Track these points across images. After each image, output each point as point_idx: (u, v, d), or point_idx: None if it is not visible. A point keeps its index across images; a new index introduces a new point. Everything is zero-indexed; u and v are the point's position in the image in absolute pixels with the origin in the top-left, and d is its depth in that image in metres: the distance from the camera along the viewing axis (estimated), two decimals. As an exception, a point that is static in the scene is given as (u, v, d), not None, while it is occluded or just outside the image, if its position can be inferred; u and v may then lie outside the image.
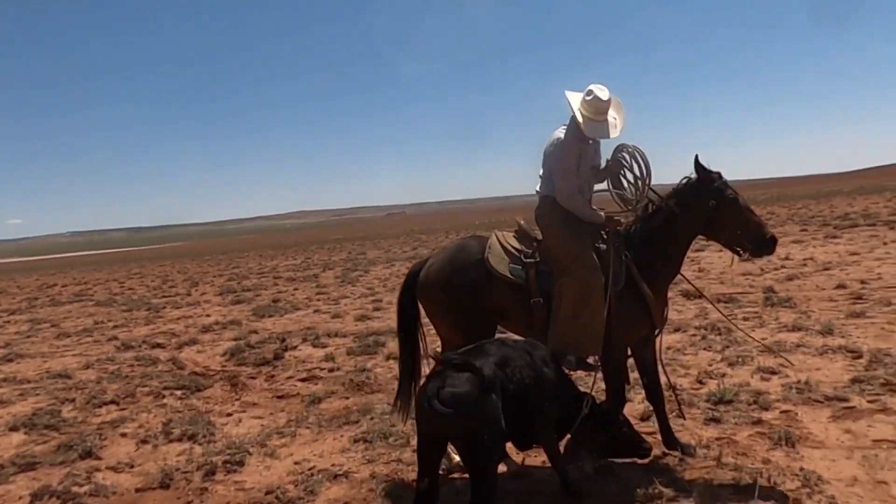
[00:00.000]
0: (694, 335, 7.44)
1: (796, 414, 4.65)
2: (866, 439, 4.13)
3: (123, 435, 5.55)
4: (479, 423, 2.85)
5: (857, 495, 3.40)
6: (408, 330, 4.47)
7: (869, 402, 4.77)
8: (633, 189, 4.09)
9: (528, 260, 4.05)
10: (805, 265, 12.59)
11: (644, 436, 4.41)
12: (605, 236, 4.08)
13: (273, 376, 7.63)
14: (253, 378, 7.61)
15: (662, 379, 5.40)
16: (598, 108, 3.96)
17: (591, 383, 4.11)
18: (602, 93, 3.94)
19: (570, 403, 3.62)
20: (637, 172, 4.04)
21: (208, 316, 13.76)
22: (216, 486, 4.26)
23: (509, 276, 4.02)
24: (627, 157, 4.08)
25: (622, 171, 4.13)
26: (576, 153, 4.06)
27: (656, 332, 4.16)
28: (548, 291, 3.98)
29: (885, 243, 14.57)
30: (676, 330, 7.82)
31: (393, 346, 7.57)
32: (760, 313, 8.57)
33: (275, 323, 11.89)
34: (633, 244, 4.06)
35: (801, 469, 3.67)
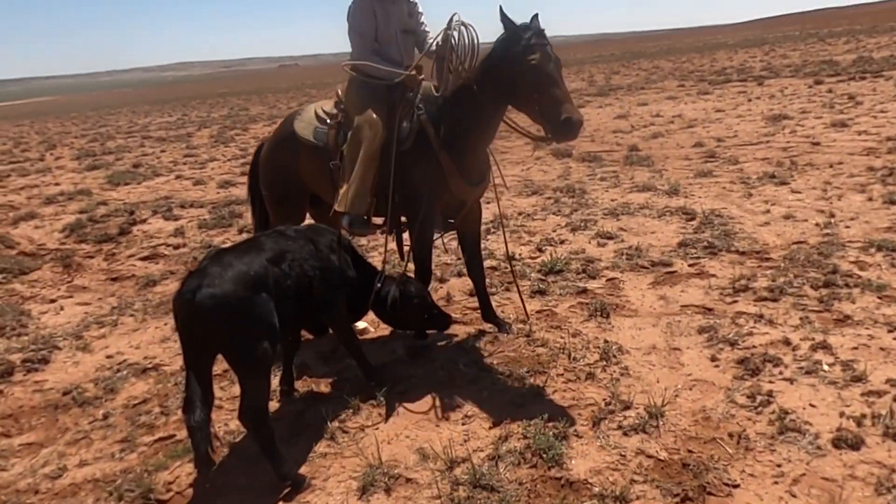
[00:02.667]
0: (549, 198, 7.50)
1: (621, 282, 4.79)
2: (676, 305, 4.32)
3: (-78, 330, 5.03)
4: (244, 325, 2.65)
5: (649, 364, 3.56)
6: (260, 208, 4.43)
7: (689, 265, 4.98)
8: (447, 73, 3.60)
9: (331, 122, 3.92)
10: (672, 122, 12.89)
11: (470, 311, 4.46)
12: (405, 95, 3.76)
13: (114, 255, 7.11)
14: (90, 257, 7.07)
15: (501, 250, 5.43)
16: None
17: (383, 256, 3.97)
18: None
19: (365, 283, 3.46)
20: (459, 55, 3.52)
21: (57, 185, 12.58)
22: (13, 388, 3.95)
23: (312, 139, 3.95)
24: (455, 36, 3.54)
25: (446, 53, 3.59)
26: (369, 12, 3.75)
27: (465, 200, 3.86)
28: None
29: (749, 100, 15.10)
30: (533, 193, 7.87)
31: (249, 216, 7.20)
32: (618, 172, 8.74)
33: (129, 192, 11.04)
34: (440, 107, 3.70)
35: (606, 341, 3.79)
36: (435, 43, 3.69)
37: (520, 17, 3.46)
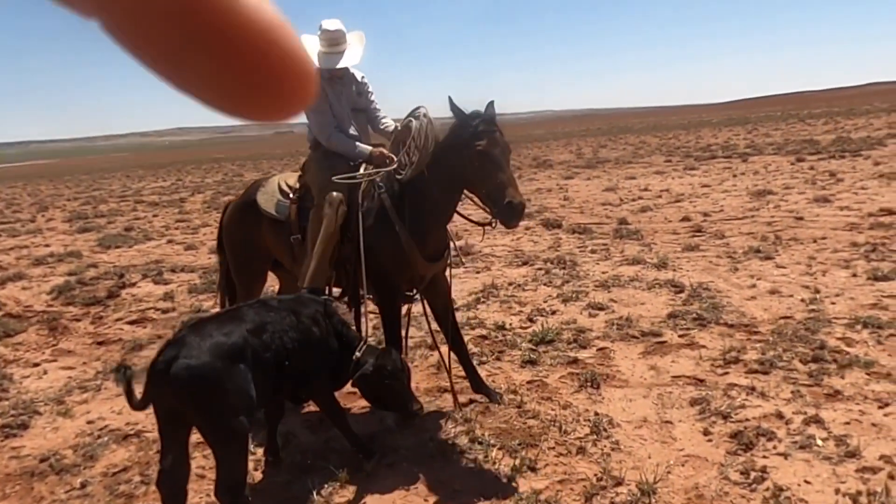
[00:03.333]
0: (539, 269, 7.56)
1: (611, 351, 4.79)
2: (667, 376, 4.31)
3: None
4: (220, 397, 2.59)
5: (640, 438, 3.52)
6: (226, 266, 4.51)
7: (679, 336, 5.00)
8: (405, 158, 3.75)
9: (293, 196, 4.05)
10: (660, 196, 13.16)
11: (460, 379, 4.41)
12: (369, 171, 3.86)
13: (101, 318, 7.04)
14: (77, 320, 6.99)
15: (490, 319, 5.45)
16: (330, 40, 3.87)
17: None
18: (330, 24, 3.86)
19: (347, 354, 3.39)
20: (414, 145, 3.66)
21: (47, 246, 12.58)
22: (-11, 454, 3.83)
23: (274, 213, 4.07)
24: (415, 124, 3.70)
25: (406, 140, 3.76)
26: (321, 92, 3.92)
27: (424, 277, 3.90)
28: (306, 227, 3.96)
29: (734, 175, 15.51)
30: (524, 263, 7.94)
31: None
32: (609, 245, 8.85)
33: (120, 256, 11.03)
34: (400, 187, 3.79)
35: (596, 414, 3.76)
36: (395, 127, 3.95)
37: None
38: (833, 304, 5.44)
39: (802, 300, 5.58)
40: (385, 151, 3.89)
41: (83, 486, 3.41)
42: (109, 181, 39.15)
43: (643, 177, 17.09)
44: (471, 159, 3.45)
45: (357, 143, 3.96)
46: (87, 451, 3.72)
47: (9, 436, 4.03)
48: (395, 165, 3.77)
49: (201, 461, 3.38)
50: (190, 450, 2.79)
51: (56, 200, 25.40)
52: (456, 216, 3.90)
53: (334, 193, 3.78)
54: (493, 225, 3.61)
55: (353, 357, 3.34)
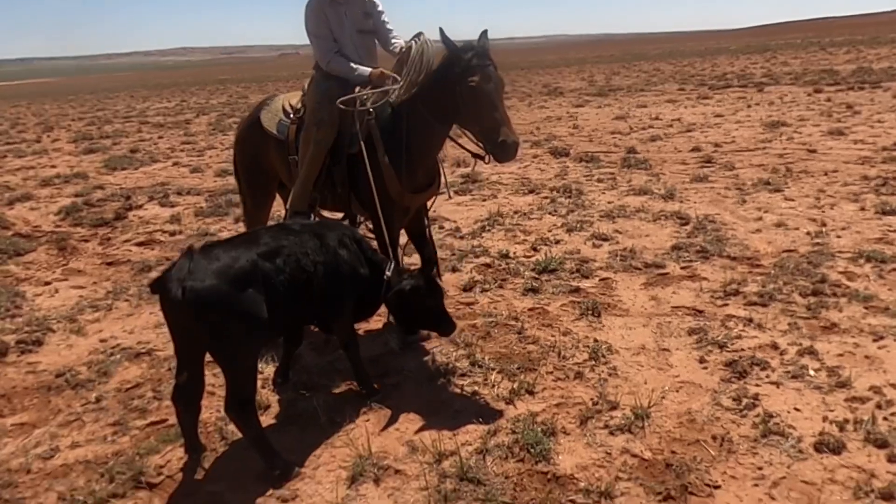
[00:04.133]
0: (546, 198, 7.54)
1: (614, 282, 4.83)
2: (667, 306, 4.36)
3: (-84, 309, 5.03)
4: (225, 320, 2.62)
5: (637, 365, 3.61)
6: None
7: (682, 268, 5.03)
8: (402, 81, 3.69)
9: (293, 116, 4.05)
10: (671, 126, 12.92)
11: (463, 306, 4.50)
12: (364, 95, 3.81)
13: (109, 239, 7.13)
14: (86, 241, 7.08)
15: (495, 247, 5.49)
16: None
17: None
18: None
19: (376, 278, 3.39)
20: (413, 68, 3.59)
21: (53, 167, 12.57)
22: (6, 369, 3.97)
23: (275, 132, 4.09)
24: (414, 48, 3.64)
25: (406, 61, 3.71)
26: (321, 15, 3.91)
27: (409, 208, 3.93)
28: None
29: (748, 105, 15.15)
30: (531, 192, 7.91)
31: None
32: (616, 174, 8.77)
33: (126, 177, 11.03)
34: (390, 115, 3.77)
35: (595, 341, 3.84)
36: (399, 48, 3.91)
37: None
38: (839, 237, 5.43)
39: (808, 233, 5.57)
40: (386, 72, 3.84)
41: (98, 400, 3.55)
42: (114, 101, 38.64)
43: (655, 105, 16.73)
44: (462, 95, 3.40)
45: (356, 67, 3.90)
46: (101, 368, 3.84)
47: (24, 351, 4.16)
48: (394, 86, 3.71)
49: (211, 379, 3.49)
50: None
51: (61, 120, 25.17)
52: (451, 144, 3.89)
53: (323, 116, 3.77)
54: (487, 160, 3.60)
55: (384, 278, 3.35)
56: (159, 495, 2.79)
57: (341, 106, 3.72)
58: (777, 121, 12.00)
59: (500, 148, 3.33)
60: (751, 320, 4.02)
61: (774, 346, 3.70)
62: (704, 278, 4.76)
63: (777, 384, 3.33)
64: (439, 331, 3.54)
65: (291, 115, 4.06)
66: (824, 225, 5.77)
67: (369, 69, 3.90)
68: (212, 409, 3.33)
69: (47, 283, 5.65)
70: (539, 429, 3.00)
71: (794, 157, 8.89)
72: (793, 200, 6.72)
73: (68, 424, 3.34)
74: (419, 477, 2.77)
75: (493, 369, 3.57)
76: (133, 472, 2.86)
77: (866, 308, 4.10)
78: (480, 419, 3.15)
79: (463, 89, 3.38)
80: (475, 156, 3.75)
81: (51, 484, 2.86)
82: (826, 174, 7.74)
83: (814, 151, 9.17)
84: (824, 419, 3.01)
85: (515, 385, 3.40)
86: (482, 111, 3.38)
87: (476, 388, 3.44)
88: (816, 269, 4.69)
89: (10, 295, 5.11)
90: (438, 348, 3.86)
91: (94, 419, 3.37)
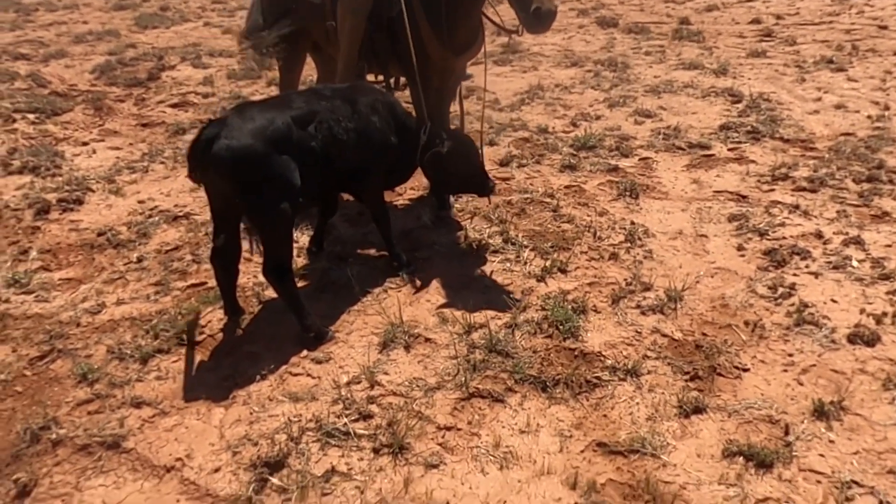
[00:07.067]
0: (589, 71, 7.16)
1: (654, 162, 4.67)
2: (709, 190, 4.22)
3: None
4: (260, 181, 2.61)
5: (674, 249, 3.55)
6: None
7: (729, 150, 4.82)
8: None
9: None
10: (731, -6, 11.94)
11: (499, 181, 4.41)
12: None
13: (144, 99, 7.06)
14: (121, 101, 7.02)
15: (534, 122, 5.29)
16: None
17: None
18: None
19: (410, 142, 3.31)
20: None
21: (85, 23, 12.27)
22: (49, 226, 4.07)
23: None
24: None
25: None
26: None
27: (449, 69, 3.78)
28: None
29: (819, -28, 13.85)
30: (573, 64, 7.50)
31: (277, 70, 7.05)
32: (665, 47, 8.24)
33: (158, 36, 10.74)
34: None
35: (632, 223, 3.76)
36: None
37: None
38: (901, 122, 5.11)
39: (869, 116, 5.24)
40: None
41: (139, 260, 3.65)
42: (141, -46, 37.07)
43: (716, -30, 15.40)
44: None
45: None
46: (140, 229, 3.92)
47: (66, 209, 4.25)
48: None
49: (246, 245, 3.55)
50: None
51: (88, -27, 24.33)
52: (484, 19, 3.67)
53: None
54: (521, 32, 3.36)
55: (420, 140, 3.27)
56: (201, 352, 2.92)
57: None
58: (849, -9, 10.98)
59: (534, 16, 3.04)
60: (797, 207, 3.87)
61: (818, 235, 3.58)
62: (752, 161, 4.56)
63: (816, 274, 3.26)
64: (477, 192, 3.50)
65: None
66: (888, 108, 5.40)
67: None
68: (249, 274, 3.41)
69: (85, 144, 5.67)
70: (569, 306, 3.02)
71: (863, 34, 8.20)
72: (856, 81, 6.26)
73: (112, 282, 3.46)
74: (448, 346, 2.84)
75: (526, 247, 3.55)
76: (176, 331, 2.99)
77: (922, 198, 3.91)
78: (511, 294, 3.18)
79: None
80: (506, 31, 3.55)
81: (99, 338, 3.00)
82: (895, 54, 7.16)
83: (885, 28, 8.42)
84: (861, 311, 2.97)
85: (548, 263, 3.38)
86: None
87: (508, 264, 3.44)
88: (874, 155, 4.45)
89: (50, 154, 5.16)
90: (471, 224, 3.83)
91: (137, 278, 3.49)
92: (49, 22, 12.63)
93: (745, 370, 2.65)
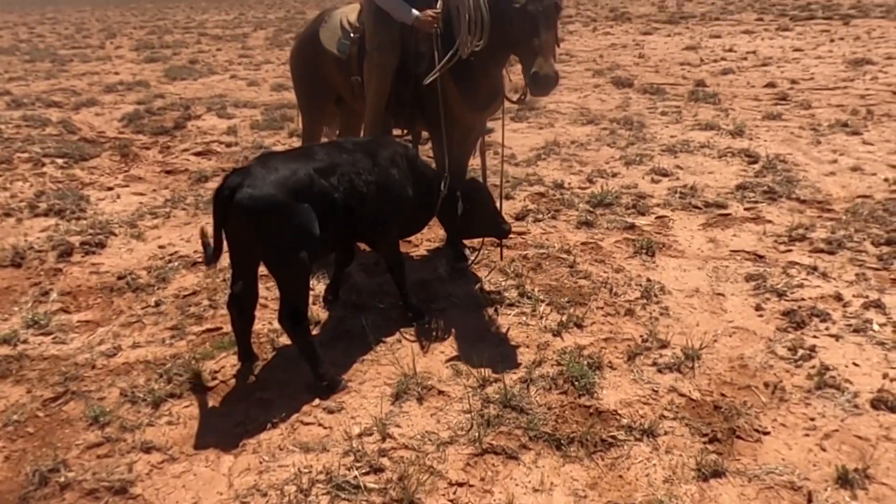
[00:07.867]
0: (604, 129, 7.27)
1: (671, 220, 4.68)
2: (726, 249, 4.21)
3: (-11, 206, 5.26)
4: (281, 230, 2.67)
5: (690, 307, 3.52)
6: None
7: (746, 209, 4.83)
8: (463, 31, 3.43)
9: (354, 36, 3.89)
10: (746, 59, 12.17)
11: (515, 235, 4.43)
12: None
13: (168, 147, 7.25)
14: (147, 148, 7.22)
15: (550, 177, 5.34)
16: None
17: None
18: None
19: (429, 193, 3.40)
20: (469, 17, 3.35)
21: (116, 74, 12.75)
22: (71, 268, 4.14)
23: (335, 51, 3.97)
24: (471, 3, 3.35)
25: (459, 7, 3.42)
26: None
27: (471, 126, 3.88)
28: None
29: (832, 40, 14.10)
30: (589, 122, 7.63)
31: (299, 121, 7.24)
32: (682, 108, 8.37)
33: (186, 87, 11.11)
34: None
35: (648, 280, 3.75)
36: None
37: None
38: (919, 186, 5.10)
39: (885, 179, 5.24)
40: (432, 15, 3.55)
41: (157, 304, 3.69)
42: (174, 11, 38.64)
43: (729, 36, 15.74)
44: (510, 18, 3.22)
45: (402, 5, 3.60)
46: (160, 274, 3.97)
47: (88, 252, 4.32)
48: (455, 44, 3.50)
49: (264, 293, 3.57)
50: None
51: (123, 28, 25.37)
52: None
53: (383, 39, 3.65)
54: (524, 98, 3.50)
55: (440, 192, 3.40)
56: (213, 398, 2.91)
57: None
58: (862, 58, 11.14)
59: (532, 80, 3.15)
60: (815, 268, 3.85)
61: (838, 298, 3.54)
62: (769, 221, 4.56)
63: (837, 337, 3.20)
64: (493, 234, 3.63)
65: (352, 35, 3.90)
66: (905, 172, 5.41)
67: (416, 12, 3.57)
68: (264, 320, 3.42)
69: (110, 189, 5.81)
70: (585, 362, 2.98)
71: (878, 99, 8.29)
72: (871, 144, 6.30)
73: (129, 325, 3.49)
74: (462, 400, 2.81)
75: (541, 301, 3.54)
76: (190, 375, 2.98)
77: (943, 263, 3.87)
78: (526, 349, 3.15)
79: (511, 14, 3.21)
80: (512, 101, 3.76)
81: (113, 380, 3.01)
82: (911, 119, 7.22)
83: (900, 93, 8.53)
84: (884, 376, 2.90)
85: (564, 318, 3.37)
86: (524, 37, 3.19)
87: (524, 318, 3.43)
88: (893, 217, 4.43)
89: (76, 198, 5.28)
90: (487, 277, 3.84)
91: (154, 322, 3.51)
92: (82, 72, 13.14)
93: (766, 433, 2.59)
